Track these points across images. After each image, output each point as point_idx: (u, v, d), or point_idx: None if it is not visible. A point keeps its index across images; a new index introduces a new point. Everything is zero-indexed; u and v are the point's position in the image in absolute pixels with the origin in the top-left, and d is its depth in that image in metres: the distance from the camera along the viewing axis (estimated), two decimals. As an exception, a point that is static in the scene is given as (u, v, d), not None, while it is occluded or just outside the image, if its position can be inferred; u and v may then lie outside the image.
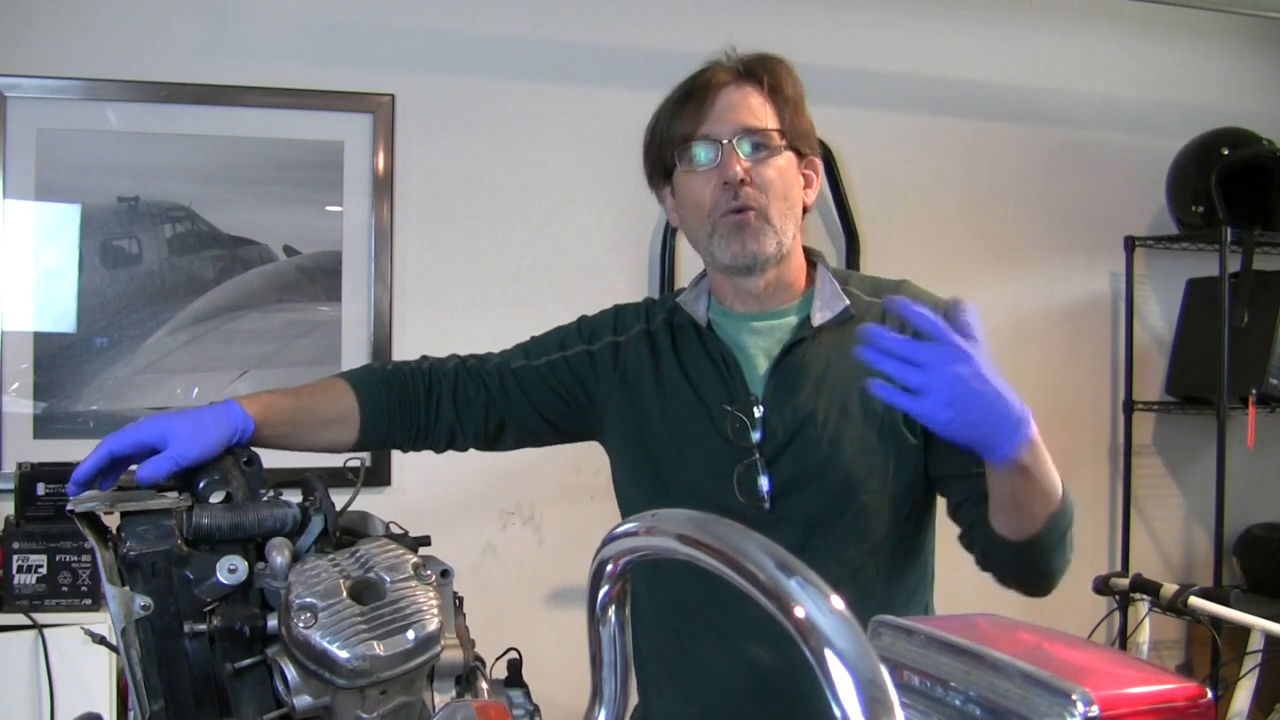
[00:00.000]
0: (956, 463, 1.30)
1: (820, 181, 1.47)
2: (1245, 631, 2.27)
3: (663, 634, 1.44)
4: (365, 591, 0.93)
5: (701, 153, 1.36)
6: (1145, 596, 2.35)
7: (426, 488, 2.56)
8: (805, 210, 1.43)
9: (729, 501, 1.35)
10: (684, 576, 1.40)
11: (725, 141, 1.35)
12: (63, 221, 2.42)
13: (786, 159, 1.38)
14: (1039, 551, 1.24)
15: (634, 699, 1.46)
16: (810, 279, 1.45)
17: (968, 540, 1.34)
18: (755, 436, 1.36)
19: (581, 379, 1.48)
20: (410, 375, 1.45)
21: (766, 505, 1.35)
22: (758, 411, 1.37)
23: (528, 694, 1.05)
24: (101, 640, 1.69)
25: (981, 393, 1.09)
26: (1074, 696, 0.60)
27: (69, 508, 1.04)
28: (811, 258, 1.47)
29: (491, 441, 1.50)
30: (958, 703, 0.67)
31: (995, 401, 1.10)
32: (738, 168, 1.33)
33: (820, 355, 1.38)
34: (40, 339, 2.41)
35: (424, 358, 1.50)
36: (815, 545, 1.34)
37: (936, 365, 1.07)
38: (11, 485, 2.01)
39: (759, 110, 1.36)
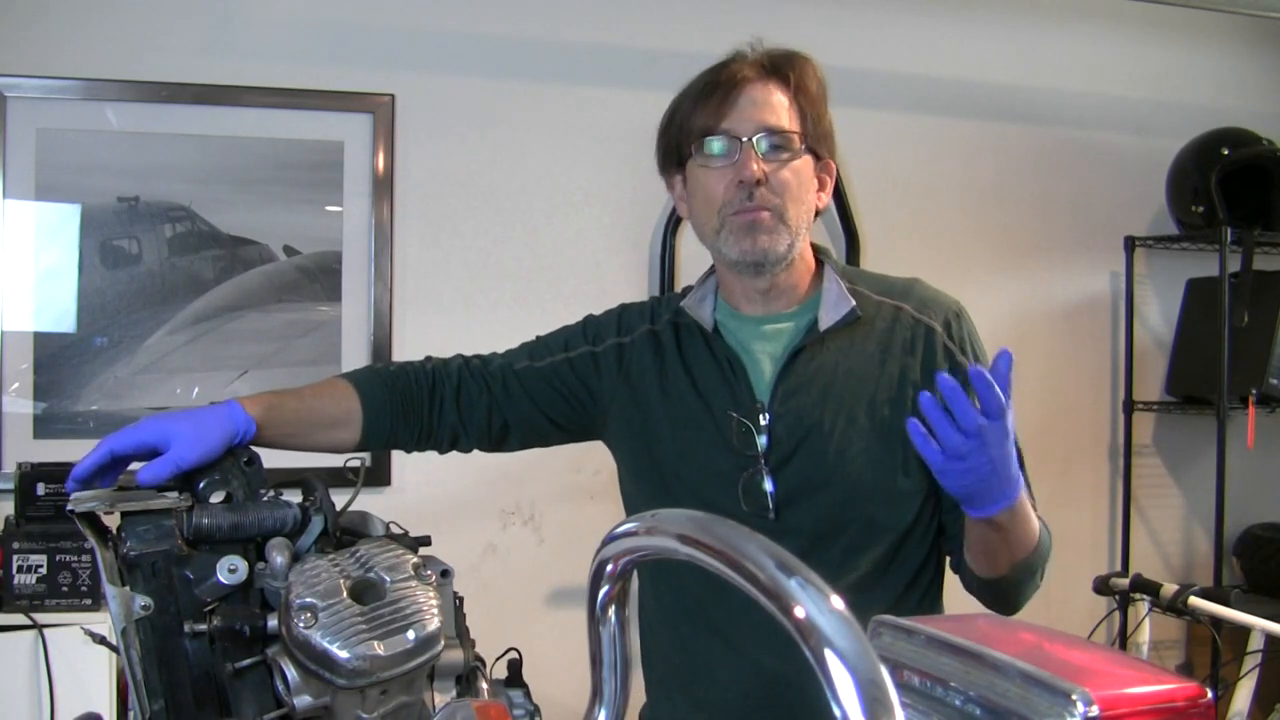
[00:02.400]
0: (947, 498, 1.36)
1: (833, 184, 1.44)
2: (1245, 631, 2.27)
3: (670, 639, 1.44)
4: (365, 591, 0.93)
5: (719, 148, 1.34)
6: (1145, 596, 2.36)
7: (426, 488, 2.56)
8: (817, 213, 1.42)
9: (733, 509, 1.34)
10: (692, 583, 1.40)
11: (745, 139, 1.32)
12: (63, 221, 2.42)
13: (804, 161, 1.35)
14: (1006, 587, 1.31)
15: (635, 699, 1.46)
16: (817, 279, 1.43)
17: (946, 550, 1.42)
18: (761, 444, 1.35)
19: (585, 380, 1.47)
20: (413, 376, 1.44)
21: (771, 514, 1.34)
22: (763, 419, 1.35)
23: (528, 694, 1.05)
24: (101, 640, 1.69)
25: (996, 470, 1.14)
26: (1074, 696, 0.60)
27: (69, 507, 1.03)
28: (819, 256, 1.45)
29: (496, 443, 1.49)
30: (958, 703, 0.67)
31: (1001, 472, 1.14)
32: (755, 167, 1.31)
33: (828, 360, 1.37)
34: (40, 339, 2.41)
35: (428, 358, 1.49)
36: (821, 555, 1.32)
37: (980, 440, 1.11)
38: (11, 485, 2.01)
39: (782, 110, 1.34)
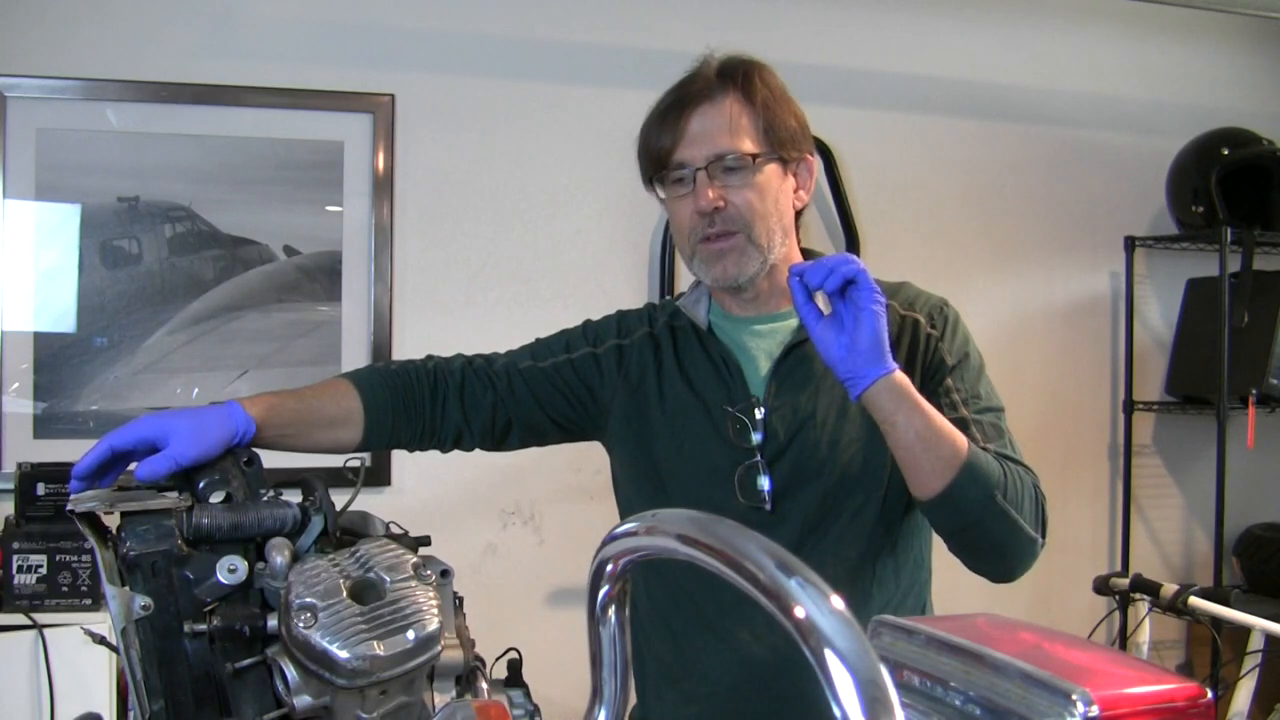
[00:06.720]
0: None
1: (815, 180, 1.44)
2: (1245, 631, 2.27)
3: (661, 634, 1.45)
4: (365, 591, 0.93)
5: (675, 179, 1.36)
6: (1145, 596, 2.35)
7: (426, 488, 2.56)
8: (800, 212, 1.42)
9: (730, 502, 1.35)
10: (683, 577, 1.41)
11: (697, 169, 1.33)
12: (63, 221, 2.42)
13: (768, 172, 1.35)
14: (961, 516, 1.24)
15: (633, 699, 1.46)
16: None
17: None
18: (756, 438, 1.36)
19: (587, 381, 1.48)
20: (415, 375, 1.44)
21: (768, 506, 1.36)
22: (759, 413, 1.37)
23: (528, 694, 1.05)
24: (101, 640, 1.69)
25: (855, 338, 1.19)
26: (1074, 696, 0.60)
27: (69, 507, 1.03)
28: (811, 258, 1.46)
29: (498, 441, 1.49)
30: (958, 703, 0.67)
31: (860, 344, 1.18)
32: (709, 197, 1.32)
33: (820, 355, 1.38)
34: (40, 339, 2.41)
35: (429, 357, 1.49)
36: (813, 544, 1.35)
37: (861, 300, 1.18)
38: (11, 485, 2.01)
39: (734, 127, 1.33)
